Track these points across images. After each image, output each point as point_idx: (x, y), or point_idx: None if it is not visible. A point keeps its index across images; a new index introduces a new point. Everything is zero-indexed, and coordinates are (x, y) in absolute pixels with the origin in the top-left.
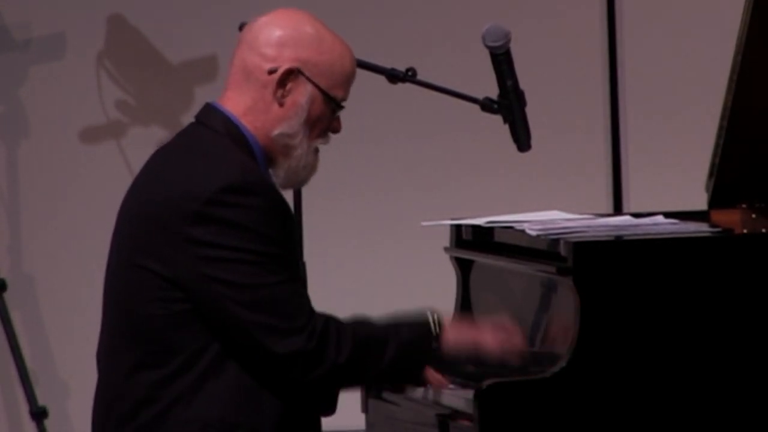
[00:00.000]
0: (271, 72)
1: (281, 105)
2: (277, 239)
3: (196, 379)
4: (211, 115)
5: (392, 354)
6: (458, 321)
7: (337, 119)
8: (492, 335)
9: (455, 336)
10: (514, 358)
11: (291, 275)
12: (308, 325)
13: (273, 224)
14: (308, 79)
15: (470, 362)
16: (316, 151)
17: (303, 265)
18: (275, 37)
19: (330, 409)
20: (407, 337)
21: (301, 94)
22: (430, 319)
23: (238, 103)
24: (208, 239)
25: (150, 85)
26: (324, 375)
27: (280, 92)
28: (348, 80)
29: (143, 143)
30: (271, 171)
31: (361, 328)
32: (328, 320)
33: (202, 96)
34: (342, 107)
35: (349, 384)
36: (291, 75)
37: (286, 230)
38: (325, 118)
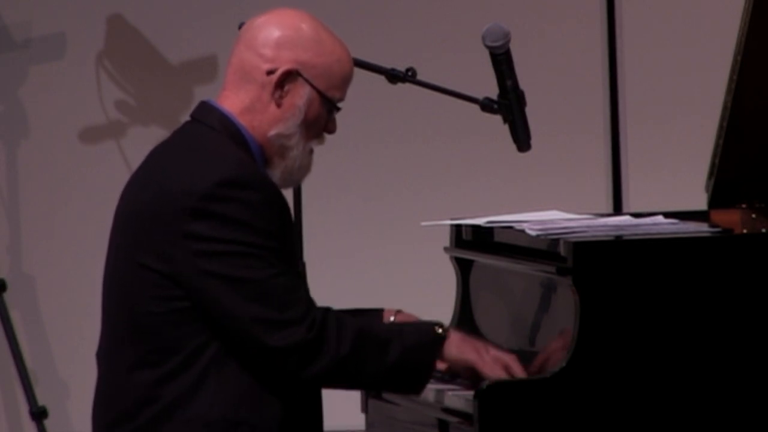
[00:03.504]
0: (270, 73)
1: (279, 106)
2: (273, 232)
3: (196, 377)
4: (207, 112)
5: (396, 354)
6: (464, 336)
7: (333, 120)
8: (492, 362)
9: (457, 351)
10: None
11: (287, 268)
12: (306, 316)
13: (269, 217)
14: (306, 80)
15: (463, 377)
16: (311, 151)
17: (303, 265)
18: (274, 37)
19: (416, 387)
20: (412, 340)
21: (299, 95)
22: (438, 330)
23: (235, 103)
24: (204, 234)
25: (150, 85)
26: (325, 367)
27: (278, 93)
28: (346, 82)
29: (143, 143)
30: (268, 171)
31: (364, 324)
32: (328, 311)
33: (201, 96)
34: (339, 108)
35: (350, 380)
36: (289, 76)
37: (282, 223)
38: (322, 120)
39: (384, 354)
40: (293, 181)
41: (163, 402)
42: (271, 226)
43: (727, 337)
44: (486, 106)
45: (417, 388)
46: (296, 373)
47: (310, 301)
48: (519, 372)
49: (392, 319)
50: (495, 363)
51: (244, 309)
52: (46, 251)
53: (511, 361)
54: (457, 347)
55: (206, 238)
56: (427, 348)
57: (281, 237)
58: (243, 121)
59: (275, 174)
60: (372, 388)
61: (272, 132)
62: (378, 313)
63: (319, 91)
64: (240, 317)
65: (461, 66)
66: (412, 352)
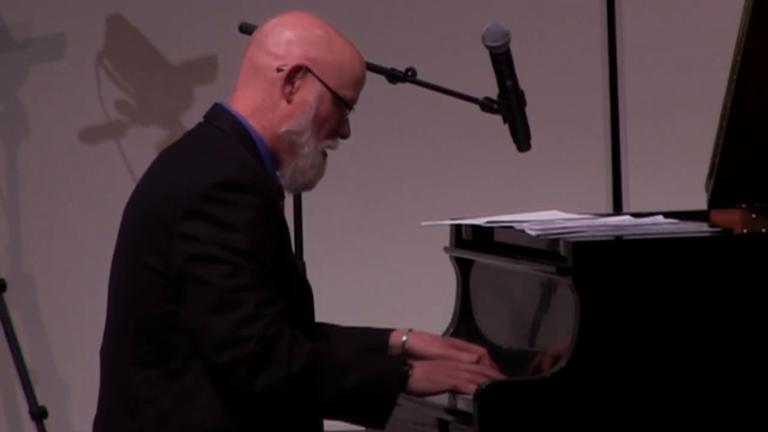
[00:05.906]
0: (280, 69)
1: (289, 102)
2: (262, 239)
3: (193, 383)
4: (218, 114)
5: (353, 380)
6: (430, 366)
7: (346, 124)
8: (471, 379)
9: (429, 383)
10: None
11: (265, 281)
12: (261, 334)
13: (261, 225)
14: (317, 77)
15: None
16: (324, 154)
17: (303, 264)
18: (284, 36)
19: (376, 418)
20: (372, 370)
21: (310, 91)
22: (401, 364)
23: (247, 103)
24: (193, 235)
25: (150, 85)
26: (274, 382)
27: (288, 89)
28: (357, 82)
29: (143, 143)
30: (278, 173)
31: (323, 347)
32: (284, 329)
33: (201, 96)
34: (351, 108)
35: (304, 400)
36: (299, 72)
37: (273, 233)
38: (334, 119)
39: (340, 378)
40: (305, 182)
41: (161, 405)
42: (262, 233)
43: (727, 337)
44: (486, 106)
45: (377, 419)
46: (246, 388)
47: (278, 318)
48: (496, 375)
49: (404, 339)
50: (473, 377)
51: (205, 316)
52: (46, 251)
53: (486, 369)
54: (428, 379)
55: (194, 239)
56: (386, 379)
57: (271, 245)
58: (254, 122)
59: (286, 173)
60: (330, 413)
61: (283, 128)
62: (386, 332)
63: (330, 89)
64: (198, 322)
65: (461, 66)
66: (371, 380)
